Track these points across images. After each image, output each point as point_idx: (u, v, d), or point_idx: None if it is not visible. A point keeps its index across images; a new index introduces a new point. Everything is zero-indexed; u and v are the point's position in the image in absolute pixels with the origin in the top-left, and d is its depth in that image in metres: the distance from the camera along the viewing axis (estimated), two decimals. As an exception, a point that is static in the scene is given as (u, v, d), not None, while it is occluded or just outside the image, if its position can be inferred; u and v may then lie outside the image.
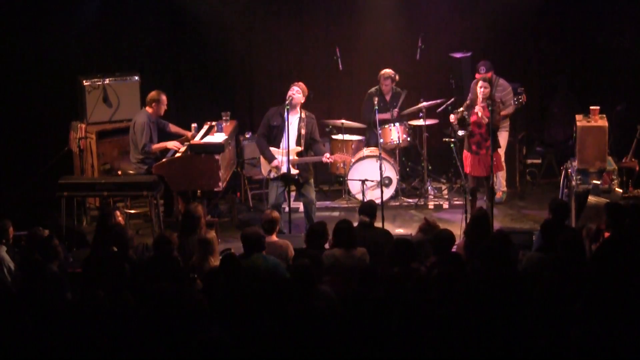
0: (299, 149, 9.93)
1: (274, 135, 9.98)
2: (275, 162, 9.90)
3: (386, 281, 6.63)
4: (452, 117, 10.05)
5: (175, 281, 6.93)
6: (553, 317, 6.10)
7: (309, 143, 10.02)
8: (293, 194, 10.40)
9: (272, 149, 9.97)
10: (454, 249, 7.78)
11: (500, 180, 11.21)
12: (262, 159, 10.17)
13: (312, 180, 10.25)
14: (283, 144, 9.89)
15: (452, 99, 11.57)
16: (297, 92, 9.90)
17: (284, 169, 9.86)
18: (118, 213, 8.74)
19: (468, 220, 8.65)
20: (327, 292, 6.75)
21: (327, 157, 9.99)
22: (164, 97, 10.37)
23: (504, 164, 10.59)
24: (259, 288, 6.63)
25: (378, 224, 9.80)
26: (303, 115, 9.97)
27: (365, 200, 10.94)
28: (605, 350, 5.75)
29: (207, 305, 6.17)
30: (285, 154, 9.80)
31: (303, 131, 9.94)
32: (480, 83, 9.93)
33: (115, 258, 7.51)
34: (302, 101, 9.97)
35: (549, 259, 7.14)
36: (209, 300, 6.29)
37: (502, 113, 10.63)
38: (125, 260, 7.28)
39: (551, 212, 8.11)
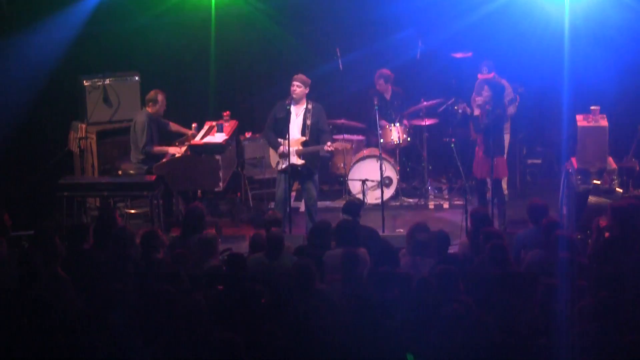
0: (304, 138, 9.95)
1: (280, 128, 10.02)
2: (281, 148, 9.91)
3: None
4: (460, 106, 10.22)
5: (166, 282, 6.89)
6: (553, 316, 6.10)
7: (315, 134, 10.03)
8: (293, 193, 10.41)
9: (278, 140, 10.02)
10: (456, 249, 7.79)
11: (502, 183, 11.21)
12: (271, 151, 10.20)
13: (317, 176, 10.26)
14: (289, 134, 9.91)
15: (452, 99, 11.58)
16: (297, 86, 9.93)
17: (291, 160, 9.84)
18: (116, 214, 8.67)
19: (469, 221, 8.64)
20: (325, 291, 6.75)
21: (328, 145, 10.01)
22: (161, 96, 10.38)
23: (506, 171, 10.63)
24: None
25: (378, 225, 9.85)
26: (309, 106, 10.02)
27: (365, 200, 10.98)
28: (605, 349, 5.76)
29: (206, 306, 6.16)
30: (287, 145, 9.81)
31: (308, 122, 9.98)
32: (485, 87, 10.03)
33: (117, 257, 7.50)
34: (306, 92, 9.99)
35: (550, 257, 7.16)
36: (208, 301, 6.29)
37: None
38: (126, 260, 7.26)
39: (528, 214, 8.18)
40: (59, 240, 7.66)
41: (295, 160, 9.89)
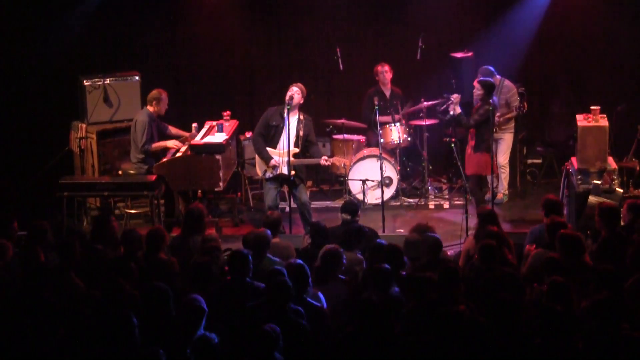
0: (297, 150, 9.93)
1: (272, 135, 9.98)
2: (272, 162, 9.90)
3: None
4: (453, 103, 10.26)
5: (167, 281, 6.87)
6: (554, 317, 6.10)
7: (305, 145, 10.03)
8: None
9: (268, 149, 9.97)
10: (457, 249, 7.78)
11: (502, 182, 11.24)
12: (257, 158, 10.16)
13: (304, 182, 10.27)
14: (281, 144, 9.89)
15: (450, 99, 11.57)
16: (297, 93, 9.91)
17: (282, 170, 9.84)
18: (112, 218, 8.53)
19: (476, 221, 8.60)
20: (318, 296, 6.74)
21: (325, 160, 9.99)
22: (164, 96, 10.37)
23: (496, 168, 10.70)
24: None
25: (378, 225, 9.85)
26: (301, 117, 9.98)
27: (366, 200, 10.99)
28: (605, 350, 5.76)
29: (205, 306, 6.16)
30: (284, 155, 9.80)
31: (301, 133, 9.95)
32: (476, 85, 10.23)
33: (123, 258, 7.49)
34: (301, 102, 9.98)
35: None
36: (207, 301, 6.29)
37: (506, 116, 10.99)
38: (133, 261, 7.25)
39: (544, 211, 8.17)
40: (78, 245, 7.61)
41: (286, 170, 9.85)
